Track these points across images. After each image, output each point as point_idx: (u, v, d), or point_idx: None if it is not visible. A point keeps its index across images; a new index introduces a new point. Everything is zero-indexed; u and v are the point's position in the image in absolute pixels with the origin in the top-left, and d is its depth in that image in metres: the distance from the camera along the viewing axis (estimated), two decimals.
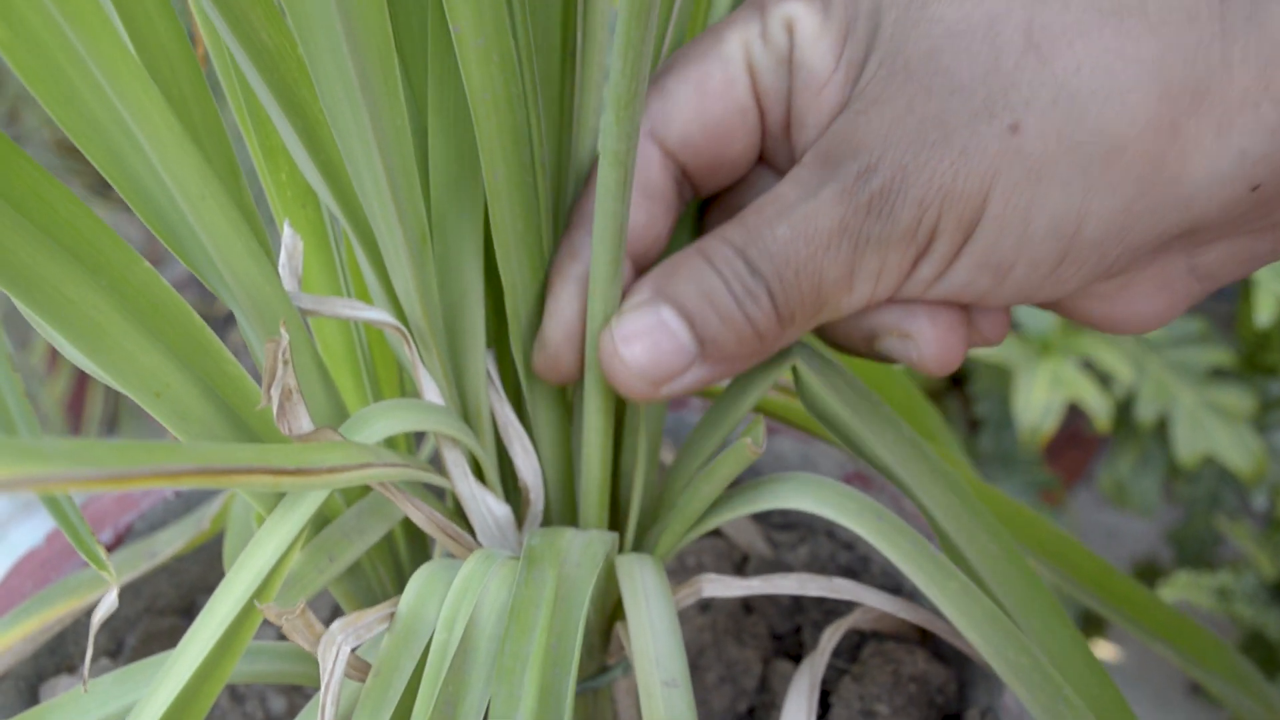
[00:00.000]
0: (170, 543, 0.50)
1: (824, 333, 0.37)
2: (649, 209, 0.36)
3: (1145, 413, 1.02)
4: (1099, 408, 0.99)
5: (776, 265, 0.33)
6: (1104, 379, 1.06)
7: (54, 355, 1.44)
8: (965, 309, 0.36)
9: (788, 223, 0.33)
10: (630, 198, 0.32)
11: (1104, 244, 0.32)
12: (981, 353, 1.02)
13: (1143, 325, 0.36)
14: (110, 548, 0.51)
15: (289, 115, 0.33)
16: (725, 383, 0.43)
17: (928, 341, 0.35)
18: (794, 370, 0.38)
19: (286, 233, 0.36)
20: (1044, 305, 0.36)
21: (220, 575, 0.54)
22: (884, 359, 0.37)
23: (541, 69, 0.35)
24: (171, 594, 0.53)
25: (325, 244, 0.38)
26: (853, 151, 0.32)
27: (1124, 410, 1.08)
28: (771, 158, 0.37)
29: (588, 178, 0.37)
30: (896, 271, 0.33)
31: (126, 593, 0.51)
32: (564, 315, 0.35)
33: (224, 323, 1.37)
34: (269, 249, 0.33)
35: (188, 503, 0.54)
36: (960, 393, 1.20)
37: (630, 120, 0.30)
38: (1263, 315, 0.98)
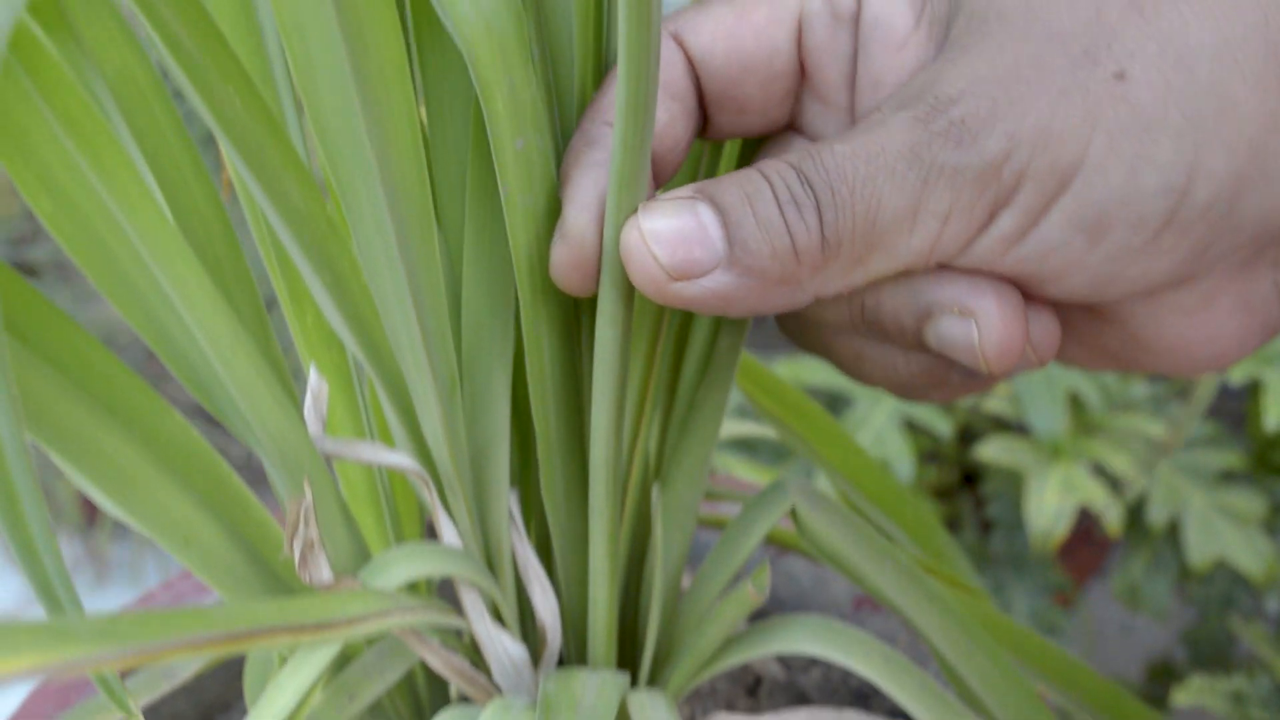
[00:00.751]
0: (189, 663, 0.50)
1: (869, 312, 0.33)
2: (669, 107, 0.33)
3: (1157, 516, 1.02)
4: (1110, 513, 0.99)
5: (830, 178, 0.29)
6: (1114, 483, 1.07)
7: None
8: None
9: (849, 142, 0.30)
10: (656, 85, 0.29)
11: (1211, 211, 0.29)
12: (993, 456, 1.03)
13: (1219, 354, 0.32)
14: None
15: (318, 270, 0.34)
16: (735, 511, 0.44)
17: (992, 323, 0.30)
18: (794, 511, 0.39)
19: (312, 376, 0.37)
20: (1120, 361, 0.34)
21: (239, 693, 0.55)
22: (933, 352, 0.32)
23: None
24: (190, 713, 0.53)
25: (349, 384, 0.39)
26: (932, 87, 0.30)
27: (1135, 513, 1.08)
28: (814, 125, 0.35)
29: (603, 82, 0.34)
30: (967, 218, 0.29)
31: (146, 714, 0.51)
32: (587, 198, 0.31)
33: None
34: (295, 397, 0.35)
35: None
36: (973, 493, 1.21)
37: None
38: (1271, 420, 0.99)
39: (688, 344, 0.40)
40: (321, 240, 0.34)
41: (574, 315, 0.35)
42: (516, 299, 0.34)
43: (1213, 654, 1.14)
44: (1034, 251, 0.30)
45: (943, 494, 1.22)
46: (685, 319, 0.40)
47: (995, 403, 1.08)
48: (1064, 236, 0.29)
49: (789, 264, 0.30)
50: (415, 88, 0.35)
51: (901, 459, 0.98)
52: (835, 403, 1.06)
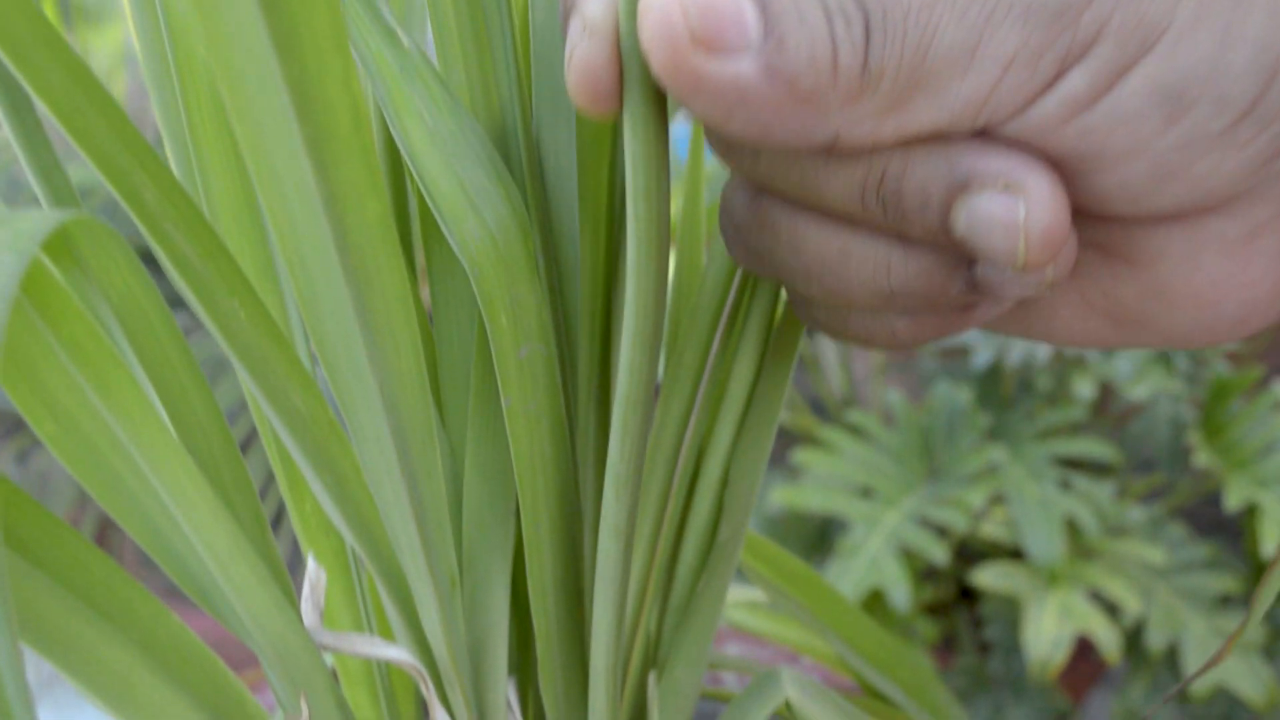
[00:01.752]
0: None
1: (890, 180, 0.28)
2: None
3: (1155, 641, 1.01)
4: (1108, 640, 0.99)
5: (884, 1, 0.25)
6: (1112, 608, 1.06)
7: None
8: None
9: None
10: None
11: None
12: (990, 582, 1.02)
13: (1250, 306, 0.29)
14: None
15: (319, 472, 0.34)
16: (738, 685, 0.44)
17: (1043, 200, 0.26)
18: (787, 703, 0.38)
19: (310, 566, 0.37)
20: (1128, 322, 0.30)
21: None
22: (953, 240, 0.27)
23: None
24: None
25: (347, 571, 0.39)
26: None
27: (1134, 636, 1.08)
28: None
29: None
30: (1032, 69, 0.25)
31: None
32: None
33: None
34: (293, 598, 0.34)
35: None
36: (970, 609, 1.20)
37: None
38: (1269, 545, 0.99)
39: (687, 530, 0.40)
40: (323, 443, 0.34)
41: (576, 517, 0.35)
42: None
43: None
44: (1101, 122, 0.26)
45: (939, 610, 1.21)
46: (687, 499, 0.40)
47: (992, 527, 1.08)
48: (1140, 107, 0.25)
49: (824, 78, 0.26)
50: (420, 281, 0.35)
51: (897, 585, 0.97)
52: (829, 526, 1.05)
